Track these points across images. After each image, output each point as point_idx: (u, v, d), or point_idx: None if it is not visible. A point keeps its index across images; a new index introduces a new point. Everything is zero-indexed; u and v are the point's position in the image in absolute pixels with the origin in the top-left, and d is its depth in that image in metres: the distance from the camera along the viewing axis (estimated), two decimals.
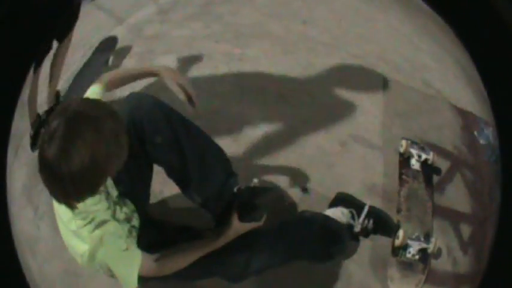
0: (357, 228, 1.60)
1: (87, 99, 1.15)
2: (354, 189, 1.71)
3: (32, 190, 1.78)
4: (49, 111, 1.92)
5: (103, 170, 1.04)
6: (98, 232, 1.17)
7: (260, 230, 1.43)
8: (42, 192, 1.65)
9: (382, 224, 1.65)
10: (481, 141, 2.00)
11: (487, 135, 1.97)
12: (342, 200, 1.66)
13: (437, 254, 1.67)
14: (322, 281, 1.57)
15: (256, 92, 1.98)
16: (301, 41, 2.17)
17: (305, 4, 2.34)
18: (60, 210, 1.20)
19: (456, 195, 1.83)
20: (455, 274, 1.68)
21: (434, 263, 1.66)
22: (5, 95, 1.26)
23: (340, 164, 1.80)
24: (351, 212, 1.61)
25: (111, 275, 1.32)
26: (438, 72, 2.19)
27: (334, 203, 1.65)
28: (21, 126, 1.90)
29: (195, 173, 1.38)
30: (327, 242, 1.52)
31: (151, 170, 1.42)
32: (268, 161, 1.78)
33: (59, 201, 1.09)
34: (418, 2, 2.24)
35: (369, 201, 1.66)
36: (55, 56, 1.92)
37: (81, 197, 1.07)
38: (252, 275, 1.43)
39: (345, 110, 1.96)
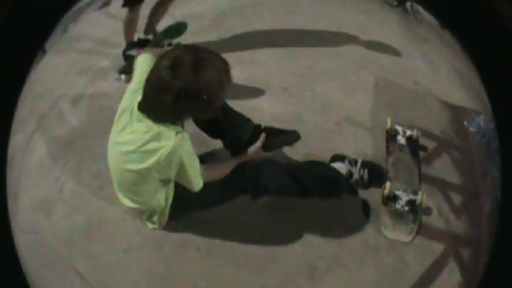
0: (356, 176, 1.92)
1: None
2: None
3: (56, 158, 2.16)
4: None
5: (223, 93, 1.51)
6: (181, 134, 1.53)
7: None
8: (69, 160, 2.13)
9: (376, 173, 1.96)
10: (471, 129, 2.38)
11: (478, 122, 2.37)
12: (338, 158, 1.99)
13: (427, 210, 1.96)
14: (324, 227, 1.87)
15: (263, 85, 2.45)
16: (304, 49, 2.68)
17: (309, 19, 2.89)
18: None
19: (444, 169, 2.17)
20: (450, 233, 1.95)
21: (427, 219, 1.96)
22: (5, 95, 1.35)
23: (334, 139, 2.19)
24: (349, 162, 1.95)
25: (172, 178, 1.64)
26: (430, 75, 2.64)
27: (331, 161, 1.99)
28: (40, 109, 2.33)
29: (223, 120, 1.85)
30: (328, 183, 1.84)
31: None
32: None
33: (183, 117, 1.55)
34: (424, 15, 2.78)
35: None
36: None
37: (209, 112, 1.54)
38: (265, 192, 1.78)
39: (340, 100, 2.40)
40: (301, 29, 2.84)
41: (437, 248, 1.89)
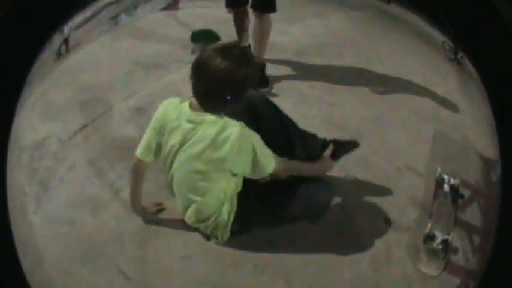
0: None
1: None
2: (401, 200, 2.72)
3: (113, 161, 2.35)
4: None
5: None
6: (240, 122, 1.81)
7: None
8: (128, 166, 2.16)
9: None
10: (494, 179, 2.89)
11: (498, 171, 2.69)
12: None
13: (455, 250, 2.50)
14: (372, 259, 2.27)
15: (339, 127, 3.10)
16: (378, 96, 3.34)
17: (385, 68, 3.50)
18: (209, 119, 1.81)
19: (472, 214, 2.76)
20: (466, 270, 2.31)
21: (452, 257, 2.34)
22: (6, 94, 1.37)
23: (394, 182, 2.83)
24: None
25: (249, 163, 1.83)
26: (474, 130, 3.21)
27: None
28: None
29: (296, 139, 2.22)
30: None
31: None
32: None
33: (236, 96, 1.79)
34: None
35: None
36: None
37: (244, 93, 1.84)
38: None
39: (403, 148, 3.05)
40: (377, 75, 3.45)
41: (454, 281, 2.28)
